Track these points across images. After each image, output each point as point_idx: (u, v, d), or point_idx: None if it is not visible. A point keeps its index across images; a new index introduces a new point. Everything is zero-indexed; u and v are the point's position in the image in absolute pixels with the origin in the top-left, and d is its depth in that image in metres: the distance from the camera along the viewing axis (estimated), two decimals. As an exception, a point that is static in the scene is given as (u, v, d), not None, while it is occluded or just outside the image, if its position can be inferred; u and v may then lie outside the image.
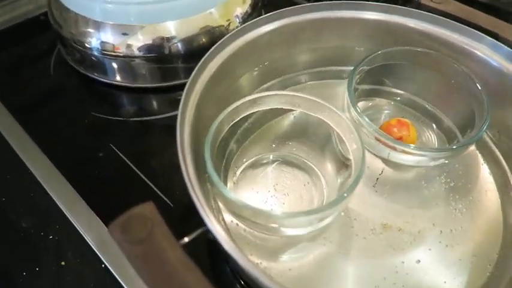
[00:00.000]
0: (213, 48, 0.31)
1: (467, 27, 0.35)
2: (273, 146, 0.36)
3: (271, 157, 0.36)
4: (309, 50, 0.38)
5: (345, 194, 0.27)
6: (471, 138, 0.32)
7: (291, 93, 0.32)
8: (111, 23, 0.42)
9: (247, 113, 0.31)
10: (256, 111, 0.32)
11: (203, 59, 0.30)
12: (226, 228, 0.30)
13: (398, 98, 0.39)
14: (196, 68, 0.30)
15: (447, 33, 0.35)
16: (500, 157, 0.35)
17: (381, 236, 0.32)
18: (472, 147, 0.36)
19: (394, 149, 0.32)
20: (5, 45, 0.50)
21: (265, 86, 0.37)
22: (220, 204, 0.31)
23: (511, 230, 0.31)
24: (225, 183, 0.33)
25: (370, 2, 0.36)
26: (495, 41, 0.34)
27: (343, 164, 0.33)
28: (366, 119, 0.32)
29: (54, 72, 0.47)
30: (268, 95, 0.32)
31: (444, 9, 0.36)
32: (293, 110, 0.33)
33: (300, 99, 0.32)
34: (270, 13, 0.35)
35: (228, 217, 0.31)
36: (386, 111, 0.39)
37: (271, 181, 0.34)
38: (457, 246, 0.31)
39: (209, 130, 0.28)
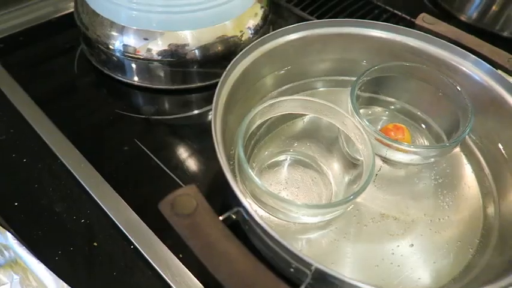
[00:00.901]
0: (238, 55, 0.35)
1: (454, 45, 0.40)
2: (286, 146, 0.41)
3: (283, 156, 0.40)
4: (318, 60, 0.42)
5: (353, 195, 0.31)
6: (457, 138, 0.37)
7: (303, 97, 0.37)
8: (134, 28, 0.45)
9: (267, 117, 0.36)
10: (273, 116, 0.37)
11: (231, 63, 0.35)
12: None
13: (393, 107, 0.44)
14: (224, 73, 0.34)
15: (437, 50, 0.41)
16: (481, 158, 0.40)
17: (379, 223, 0.36)
18: (457, 150, 0.41)
19: (391, 147, 0.37)
20: (28, 44, 0.53)
21: (279, 90, 0.42)
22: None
23: (489, 220, 0.37)
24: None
25: (372, 21, 0.41)
26: (477, 58, 0.39)
27: (350, 163, 0.37)
28: (366, 122, 0.37)
29: (78, 70, 0.50)
30: (284, 100, 0.36)
31: (435, 30, 0.41)
32: (304, 115, 0.37)
33: (312, 103, 0.37)
34: (287, 27, 0.39)
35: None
36: (383, 118, 0.44)
37: (283, 176, 0.39)
38: (444, 233, 0.36)
39: (238, 130, 0.32)
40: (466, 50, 0.39)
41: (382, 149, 0.38)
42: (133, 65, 0.48)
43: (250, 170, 0.31)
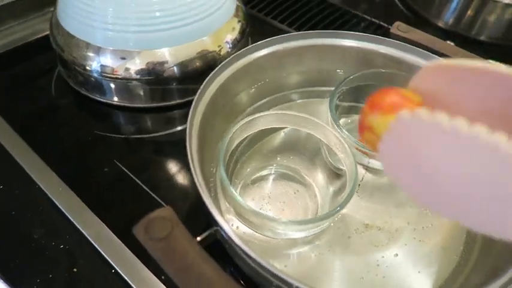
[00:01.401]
0: (213, 72, 0.35)
1: (429, 53, 0.40)
2: (268, 160, 0.40)
3: (266, 171, 0.40)
4: (294, 72, 0.42)
5: (339, 206, 0.31)
6: None
7: (281, 112, 0.37)
8: (111, 48, 0.45)
9: (247, 134, 0.36)
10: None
11: (206, 80, 0.35)
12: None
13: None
14: (199, 90, 0.34)
15: (412, 57, 0.41)
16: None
17: (363, 234, 0.36)
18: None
19: (371, 156, 0.37)
20: (4, 68, 0.52)
21: (257, 104, 0.42)
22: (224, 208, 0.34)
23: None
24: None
25: (346, 32, 0.42)
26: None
27: (334, 173, 0.37)
28: (346, 132, 0.37)
29: (55, 92, 0.50)
30: (261, 115, 0.36)
31: (410, 37, 0.42)
32: (283, 128, 0.37)
33: (290, 117, 0.37)
34: (260, 42, 0.39)
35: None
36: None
37: (267, 191, 0.38)
38: (428, 241, 0.36)
39: (219, 151, 0.32)
40: (440, 56, 0.40)
41: (363, 158, 0.38)
42: (112, 85, 0.47)
43: (232, 190, 0.31)
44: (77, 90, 0.49)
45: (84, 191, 0.39)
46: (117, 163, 0.42)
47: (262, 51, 0.39)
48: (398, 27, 0.43)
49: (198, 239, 0.28)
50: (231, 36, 0.50)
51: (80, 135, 0.45)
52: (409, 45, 0.40)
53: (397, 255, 0.35)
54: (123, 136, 0.45)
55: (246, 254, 0.26)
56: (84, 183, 0.40)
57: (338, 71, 0.44)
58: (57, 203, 0.38)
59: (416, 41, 0.41)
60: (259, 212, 0.33)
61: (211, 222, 0.29)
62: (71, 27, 0.46)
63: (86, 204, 0.38)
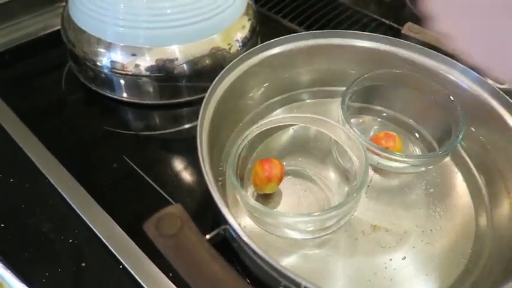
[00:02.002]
0: (224, 69, 0.35)
1: (441, 54, 0.40)
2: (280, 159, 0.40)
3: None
4: (305, 72, 0.42)
5: (353, 196, 0.32)
6: (449, 146, 0.37)
7: (292, 115, 0.37)
8: (121, 44, 0.45)
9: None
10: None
11: (217, 78, 0.35)
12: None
13: (385, 114, 0.44)
14: (210, 88, 0.34)
15: (425, 59, 0.41)
16: (472, 167, 0.40)
17: (370, 236, 0.36)
18: (448, 159, 0.41)
19: (382, 156, 0.36)
20: (16, 62, 0.52)
21: (267, 103, 0.42)
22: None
23: (481, 229, 0.36)
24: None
25: (357, 32, 0.41)
26: (465, 67, 0.39)
27: (344, 175, 0.37)
28: (357, 131, 0.37)
29: (65, 87, 0.50)
30: (271, 120, 0.36)
31: (422, 39, 0.42)
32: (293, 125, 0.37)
33: (301, 119, 0.37)
34: (271, 40, 0.39)
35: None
36: (375, 127, 0.43)
37: (280, 191, 0.38)
38: (436, 244, 0.36)
39: (228, 160, 0.33)
40: (453, 58, 0.39)
41: (373, 158, 0.38)
42: (122, 81, 0.47)
43: (244, 193, 0.31)
44: (87, 86, 0.49)
45: (93, 186, 0.39)
46: (126, 159, 0.42)
47: (274, 49, 0.39)
48: (410, 28, 0.43)
49: (207, 237, 0.28)
50: (241, 34, 0.50)
51: (89, 131, 0.45)
52: (419, 46, 0.40)
53: (405, 257, 0.35)
54: (132, 132, 0.45)
55: (255, 252, 0.26)
56: (93, 178, 0.40)
57: (350, 70, 0.43)
58: (66, 197, 0.38)
59: (428, 42, 0.41)
60: (271, 211, 0.33)
61: (219, 220, 0.29)
62: (82, 23, 0.46)
63: (94, 199, 0.38)
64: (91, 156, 0.43)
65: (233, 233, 0.27)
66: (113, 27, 0.45)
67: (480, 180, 0.39)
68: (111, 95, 0.48)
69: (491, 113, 0.37)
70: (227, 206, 0.34)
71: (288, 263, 0.34)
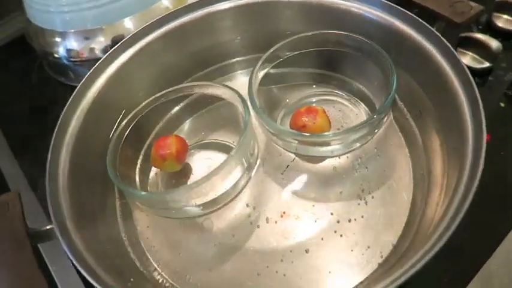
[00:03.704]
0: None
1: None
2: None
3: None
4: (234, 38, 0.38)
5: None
6: (384, 105, 0.29)
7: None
8: (72, 30, 0.46)
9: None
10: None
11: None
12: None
13: (335, 82, 0.37)
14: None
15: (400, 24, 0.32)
16: (420, 141, 0.32)
17: (275, 224, 0.31)
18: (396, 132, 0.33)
19: (300, 142, 0.31)
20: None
21: (198, 74, 0.39)
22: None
23: (414, 220, 0.28)
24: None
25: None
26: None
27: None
28: (264, 115, 0.31)
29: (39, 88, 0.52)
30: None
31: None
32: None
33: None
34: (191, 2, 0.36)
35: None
36: (313, 99, 0.37)
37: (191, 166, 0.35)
38: (352, 237, 0.29)
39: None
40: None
41: (291, 144, 0.32)
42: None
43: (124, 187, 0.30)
44: (59, 80, 0.50)
45: None
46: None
47: (192, 14, 0.36)
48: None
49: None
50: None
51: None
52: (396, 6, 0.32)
53: (308, 250, 0.29)
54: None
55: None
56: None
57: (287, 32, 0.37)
58: None
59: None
60: (141, 194, 0.31)
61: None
62: (33, 17, 0.47)
63: None
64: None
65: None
66: (60, 15, 0.45)
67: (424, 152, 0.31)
68: (75, 84, 0.49)
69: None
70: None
71: (173, 251, 0.31)
